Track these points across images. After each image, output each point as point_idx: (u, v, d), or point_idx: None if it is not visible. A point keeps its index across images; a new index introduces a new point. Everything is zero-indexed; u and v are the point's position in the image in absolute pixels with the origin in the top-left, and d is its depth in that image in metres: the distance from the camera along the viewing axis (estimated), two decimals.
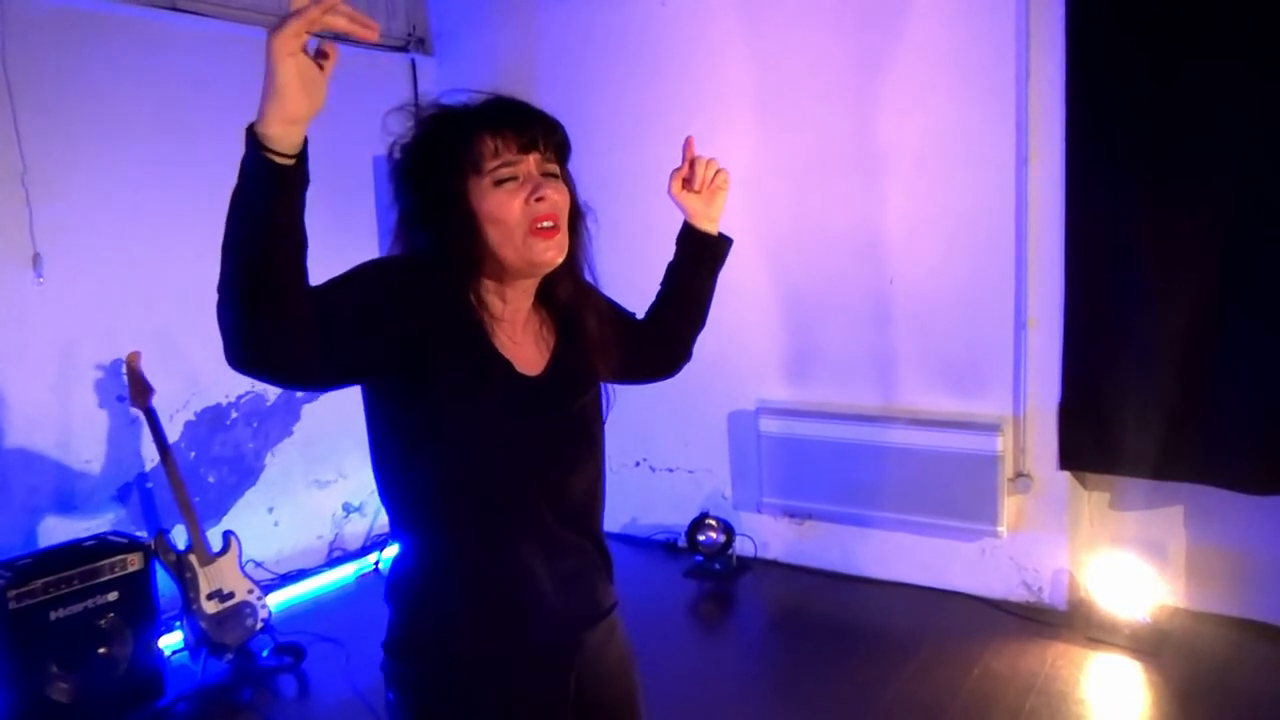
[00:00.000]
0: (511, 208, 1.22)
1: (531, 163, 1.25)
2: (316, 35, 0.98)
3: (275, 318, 1.02)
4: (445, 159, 1.24)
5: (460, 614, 1.28)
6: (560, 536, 1.32)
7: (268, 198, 0.99)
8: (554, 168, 1.28)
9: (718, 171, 1.55)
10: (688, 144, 1.55)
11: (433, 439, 1.23)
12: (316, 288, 1.09)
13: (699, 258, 1.59)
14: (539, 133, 1.25)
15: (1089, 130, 3.10)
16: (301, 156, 1.00)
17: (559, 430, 1.33)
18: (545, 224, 1.23)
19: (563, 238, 1.26)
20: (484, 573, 1.28)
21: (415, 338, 1.18)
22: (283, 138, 0.97)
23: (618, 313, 1.54)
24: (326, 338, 1.09)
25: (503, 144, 1.23)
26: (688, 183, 1.54)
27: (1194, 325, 3.00)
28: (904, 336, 3.61)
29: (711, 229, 1.58)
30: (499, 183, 1.23)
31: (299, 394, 4.05)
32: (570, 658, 1.35)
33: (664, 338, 1.61)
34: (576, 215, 1.34)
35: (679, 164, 1.55)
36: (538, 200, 1.23)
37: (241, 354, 1.04)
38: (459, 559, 1.27)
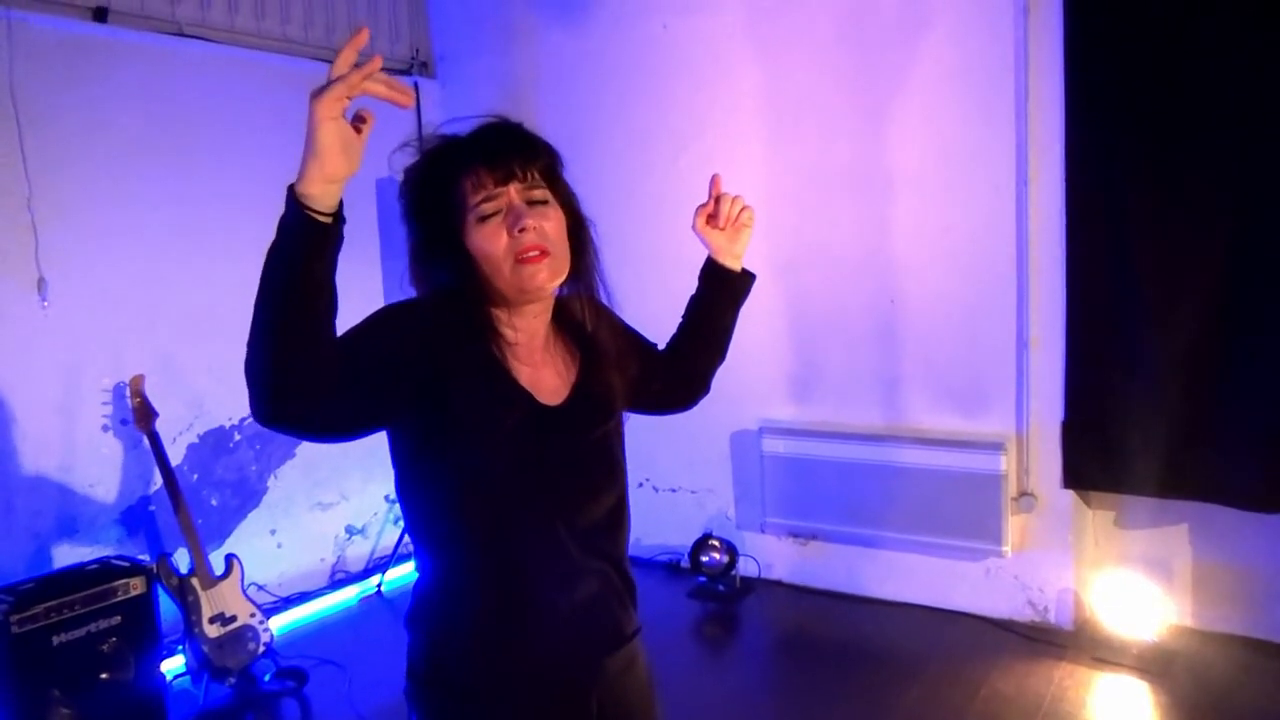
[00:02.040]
0: (497, 242, 1.24)
1: (513, 193, 1.25)
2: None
3: (305, 372, 1.06)
4: (435, 199, 1.27)
5: (480, 639, 1.28)
6: (582, 562, 1.32)
7: (305, 254, 1.03)
8: (539, 193, 1.27)
9: (743, 209, 1.55)
10: (714, 182, 1.56)
11: (452, 470, 1.25)
12: (339, 340, 1.12)
13: (722, 293, 1.59)
14: (516, 163, 1.25)
15: (1089, 150, 3.11)
16: (338, 217, 1.05)
17: (580, 457, 1.33)
18: (531, 253, 1.24)
19: (553, 260, 1.26)
20: (504, 598, 1.28)
21: (435, 378, 1.21)
22: (321, 196, 1.03)
23: (634, 335, 1.55)
24: (352, 391, 1.13)
25: (481, 179, 1.25)
26: (712, 219, 1.55)
27: (1197, 342, 3.00)
28: (906, 355, 3.61)
29: (735, 265, 1.58)
30: (483, 218, 1.24)
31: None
32: (591, 683, 1.35)
33: (683, 371, 1.61)
34: (580, 232, 1.34)
35: (704, 200, 1.56)
36: (520, 231, 1.23)
37: (271, 408, 1.07)
38: (479, 584, 1.28)
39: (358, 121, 1.05)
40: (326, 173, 1.02)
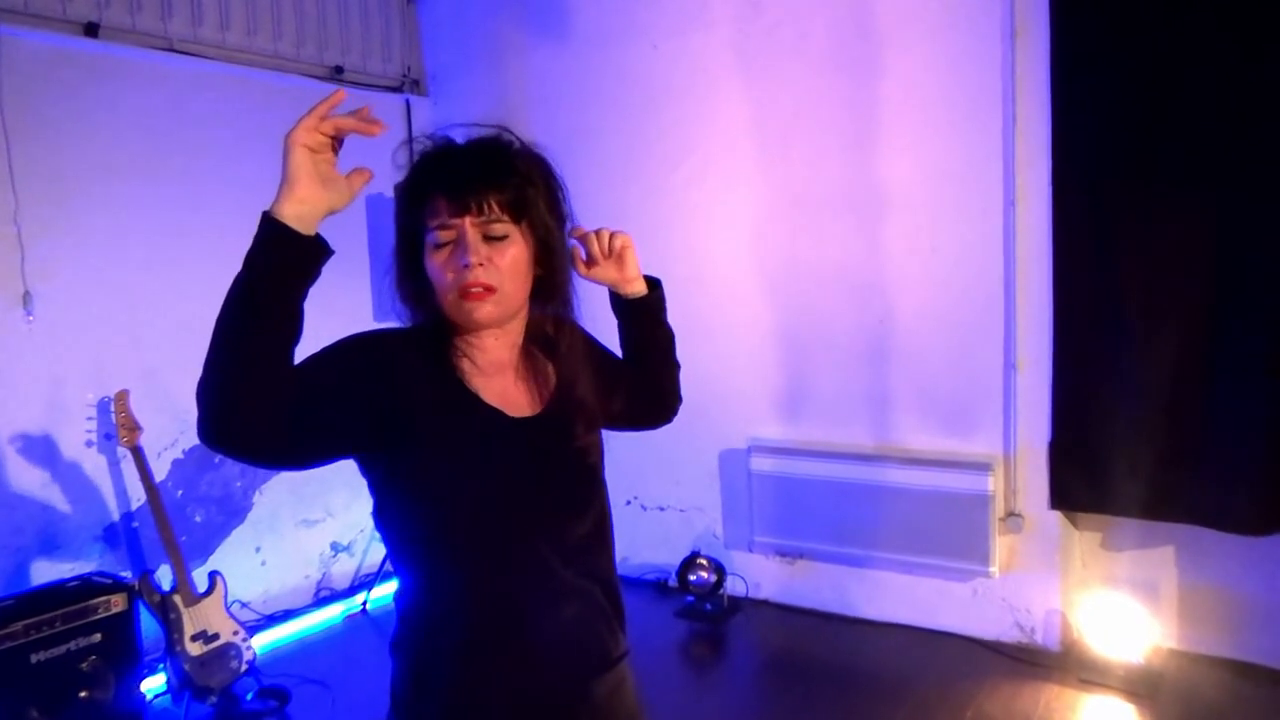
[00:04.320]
0: (445, 273, 1.23)
1: (466, 225, 1.22)
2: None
3: (257, 397, 1.06)
4: (404, 218, 1.28)
5: (464, 663, 1.26)
6: (566, 581, 1.30)
7: (276, 272, 1.06)
8: (498, 227, 1.23)
9: (612, 235, 1.49)
10: (573, 233, 1.45)
11: (426, 494, 1.24)
12: (296, 369, 1.12)
13: (638, 317, 1.56)
14: (474, 196, 1.22)
15: (1075, 173, 3.14)
16: (316, 247, 1.08)
17: (557, 471, 1.32)
18: (474, 289, 1.22)
19: (499, 297, 1.24)
20: (487, 622, 1.26)
21: (396, 405, 1.20)
22: (293, 220, 1.06)
23: (607, 354, 1.54)
24: (303, 420, 1.12)
25: (438, 207, 1.23)
26: (590, 260, 1.49)
27: (1184, 365, 3.01)
28: (895, 376, 3.62)
29: (638, 287, 1.54)
30: (437, 246, 1.24)
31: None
32: (577, 708, 1.32)
33: (648, 390, 1.60)
34: (553, 259, 1.32)
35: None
36: (464, 267, 1.22)
37: (216, 429, 1.07)
38: (462, 608, 1.26)
39: (355, 174, 1.12)
40: (298, 195, 1.06)
